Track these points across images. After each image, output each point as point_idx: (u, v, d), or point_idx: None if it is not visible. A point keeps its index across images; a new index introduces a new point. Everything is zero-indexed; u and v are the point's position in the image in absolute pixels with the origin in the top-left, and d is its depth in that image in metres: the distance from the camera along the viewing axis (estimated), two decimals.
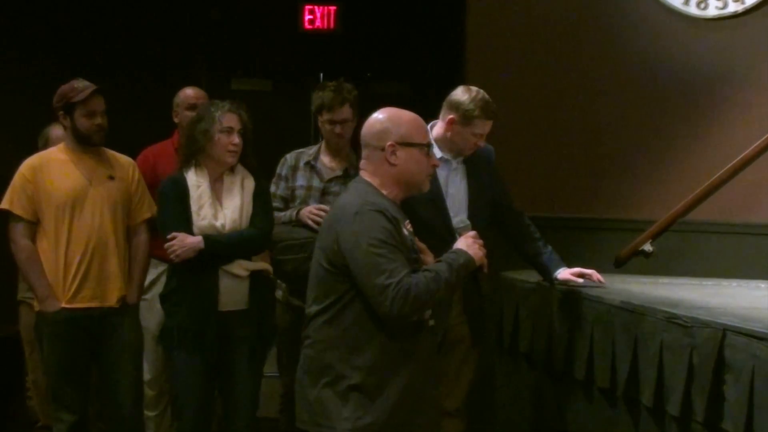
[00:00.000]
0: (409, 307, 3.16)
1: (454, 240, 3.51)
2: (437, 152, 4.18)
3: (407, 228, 3.35)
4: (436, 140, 4.26)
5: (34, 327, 4.64)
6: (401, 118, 3.39)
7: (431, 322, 3.40)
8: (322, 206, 4.63)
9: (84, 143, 4.51)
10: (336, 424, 3.24)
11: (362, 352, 3.23)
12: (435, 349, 3.52)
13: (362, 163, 3.42)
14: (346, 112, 4.80)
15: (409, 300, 3.14)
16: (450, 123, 4.27)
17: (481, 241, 3.44)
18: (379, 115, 3.40)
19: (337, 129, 4.81)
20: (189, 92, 5.40)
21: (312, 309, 3.34)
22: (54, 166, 4.50)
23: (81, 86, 4.48)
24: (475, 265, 3.37)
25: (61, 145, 4.61)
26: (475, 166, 4.43)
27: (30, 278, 4.50)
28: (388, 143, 3.33)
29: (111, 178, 4.55)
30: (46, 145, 5.31)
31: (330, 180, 4.84)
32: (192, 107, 5.20)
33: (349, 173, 4.79)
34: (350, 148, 4.90)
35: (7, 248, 4.51)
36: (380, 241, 3.18)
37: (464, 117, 4.24)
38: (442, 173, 4.24)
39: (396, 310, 3.14)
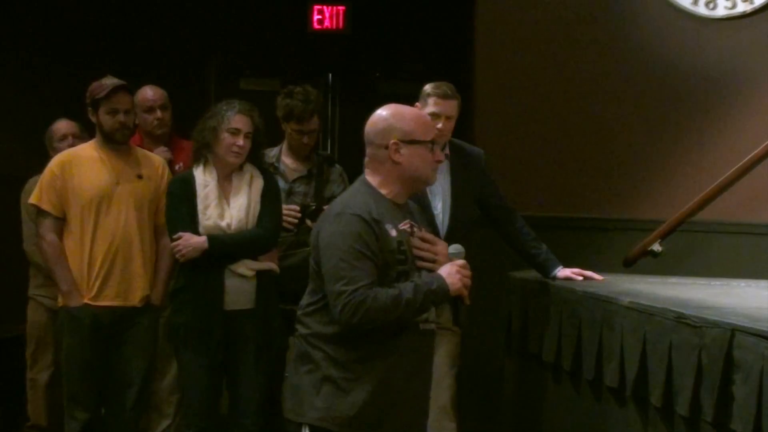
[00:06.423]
0: (359, 319, 3.15)
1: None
2: None
3: (402, 228, 3.32)
4: None
5: (55, 323, 4.62)
6: (404, 115, 3.37)
7: (431, 326, 3.38)
8: (291, 206, 4.73)
9: (108, 141, 4.50)
10: (307, 412, 3.27)
11: (341, 345, 3.25)
12: (429, 350, 3.45)
13: (366, 161, 3.40)
14: (314, 123, 4.90)
15: (360, 312, 3.14)
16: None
17: (467, 272, 3.36)
18: (381, 113, 3.38)
19: (305, 139, 4.90)
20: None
21: (304, 300, 3.38)
22: (83, 163, 4.49)
23: (107, 83, 4.48)
24: (449, 295, 3.31)
25: (92, 142, 4.61)
26: (460, 165, 4.50)
27: (55, 273, 4.50)
28: (392, 141, 3.31)
29: (139, 176, 4.53)
30: (50, 142, 5.33)
31: (294, 180, 4.91)
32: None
33: (313, 173, 4.90)
34: (313, 152, 5.00)
35: (15, 250, 4.52)
36: (349, 246, 3.17)
37: (421, 99, 4.40)
38: None
39: (345, 318, 3.16)
